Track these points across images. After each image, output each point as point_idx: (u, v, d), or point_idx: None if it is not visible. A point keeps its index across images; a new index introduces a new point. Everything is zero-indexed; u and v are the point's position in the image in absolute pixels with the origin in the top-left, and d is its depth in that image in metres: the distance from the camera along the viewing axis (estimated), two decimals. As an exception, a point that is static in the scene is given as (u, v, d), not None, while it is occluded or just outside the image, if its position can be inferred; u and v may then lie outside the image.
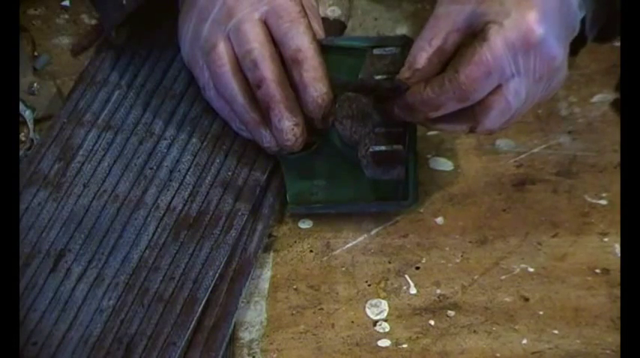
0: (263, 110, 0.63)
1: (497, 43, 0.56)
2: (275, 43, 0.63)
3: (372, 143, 0.62)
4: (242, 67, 0.63)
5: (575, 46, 0.63)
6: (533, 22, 0.56)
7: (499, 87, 0.57)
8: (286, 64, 0.63)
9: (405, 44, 0.63)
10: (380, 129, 0.62)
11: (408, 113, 0.60)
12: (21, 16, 0.78)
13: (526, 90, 0.58)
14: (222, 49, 0.63)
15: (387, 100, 0.60)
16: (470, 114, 0.59)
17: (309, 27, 0.63)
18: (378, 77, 0.62)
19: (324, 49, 0.63)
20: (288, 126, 0.62)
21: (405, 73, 0.59)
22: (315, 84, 0.62)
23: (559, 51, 0.58)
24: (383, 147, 0.61)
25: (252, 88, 0.63)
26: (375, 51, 0.63)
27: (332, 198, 0.66)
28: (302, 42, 0.62)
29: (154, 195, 0.65)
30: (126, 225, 0.63)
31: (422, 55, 0.58)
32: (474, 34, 0.57)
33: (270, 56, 0.62)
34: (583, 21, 0.62)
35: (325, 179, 0.66)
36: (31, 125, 0.71)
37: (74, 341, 0.58)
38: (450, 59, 0.58)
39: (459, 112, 0.59)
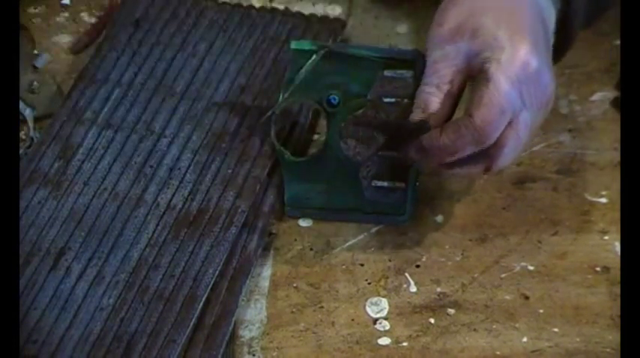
0: None
1: (500, 81, 0.56)
2: None
3: (374, 168, 0.64)
4: None
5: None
6: (527, 54, 0.57)
7: (510, 123, 0.57)
8: None
9: (416, 61, 0.63)
10: (383, 153, 0.64)
11: (424, 158, 0.60)
12: (21, 14, 0.78)
13: (531, 122, 0.58)
14: None
15: (409, 137, 0.61)
16: (484, 154, 0.59)
17: None
18: (386, 100, 0.63)
19: (334, 55, 0.64)
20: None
21: (417, 116, 0.59)
22: None
23: (551, 76, 0.59)
24: (385, 183, 0.64)
25: None
26: (386, 73, 0.64)
27: (329, 204, 0.66)
28: None
29: (154, 193, 0.65)
30: (126, 223, 0.63)
31: (433, 101, 0.59)
32: (474, 72, 0.58)
33: None
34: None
35: (324, 184, 0.66)
36: (31, 123, 0.71)
37: (74, 339, 0.58)
38: (457, 99, 0.59)
39: (473, 155, 0.59)
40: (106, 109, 0.69)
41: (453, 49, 0.58)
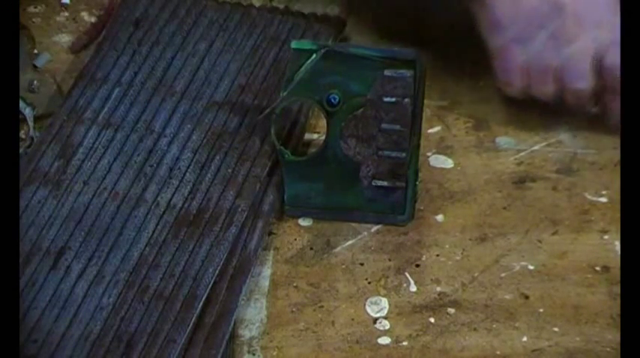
0: None
1: None
2: None
3: (374, 168, 0.64)
4: None
5: None
6: None
7: None
8: None
9: (416, 61, 0.64)
10: (383, 153, 0.64)
11: None
12: (21, 13, 0.78)
13: None
14: None
15: None
16: None
17: None
18: (386, 100, 0.63)
19: (335, 55, 0.64)
20: None
21: None
22: None
23: None
24: (385, 183, 0.64)
25: None
26: (386, 72, 0.64)
27: (329, 204, 0.66)
28: None
29: (154, 193, 0.65)
30: (126, 222, 0.63)
31: None
32: None
33: None
34: None
35: (324, 184, 0.66)
36: (31, 122, 0.71)
37: (74, 338, 0.58)
38: None
39: None
40: (106, 109, 0.69)
41: None
